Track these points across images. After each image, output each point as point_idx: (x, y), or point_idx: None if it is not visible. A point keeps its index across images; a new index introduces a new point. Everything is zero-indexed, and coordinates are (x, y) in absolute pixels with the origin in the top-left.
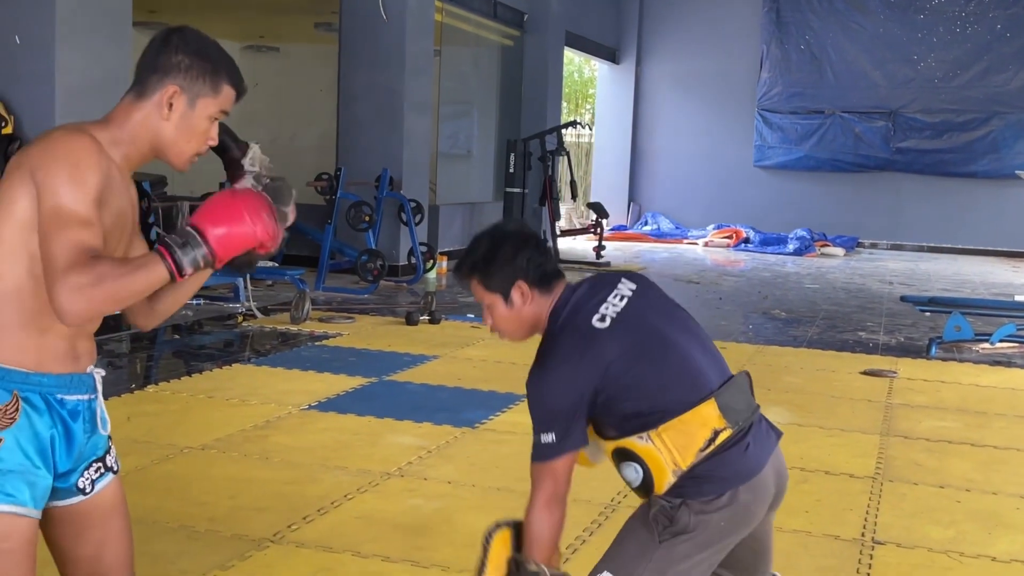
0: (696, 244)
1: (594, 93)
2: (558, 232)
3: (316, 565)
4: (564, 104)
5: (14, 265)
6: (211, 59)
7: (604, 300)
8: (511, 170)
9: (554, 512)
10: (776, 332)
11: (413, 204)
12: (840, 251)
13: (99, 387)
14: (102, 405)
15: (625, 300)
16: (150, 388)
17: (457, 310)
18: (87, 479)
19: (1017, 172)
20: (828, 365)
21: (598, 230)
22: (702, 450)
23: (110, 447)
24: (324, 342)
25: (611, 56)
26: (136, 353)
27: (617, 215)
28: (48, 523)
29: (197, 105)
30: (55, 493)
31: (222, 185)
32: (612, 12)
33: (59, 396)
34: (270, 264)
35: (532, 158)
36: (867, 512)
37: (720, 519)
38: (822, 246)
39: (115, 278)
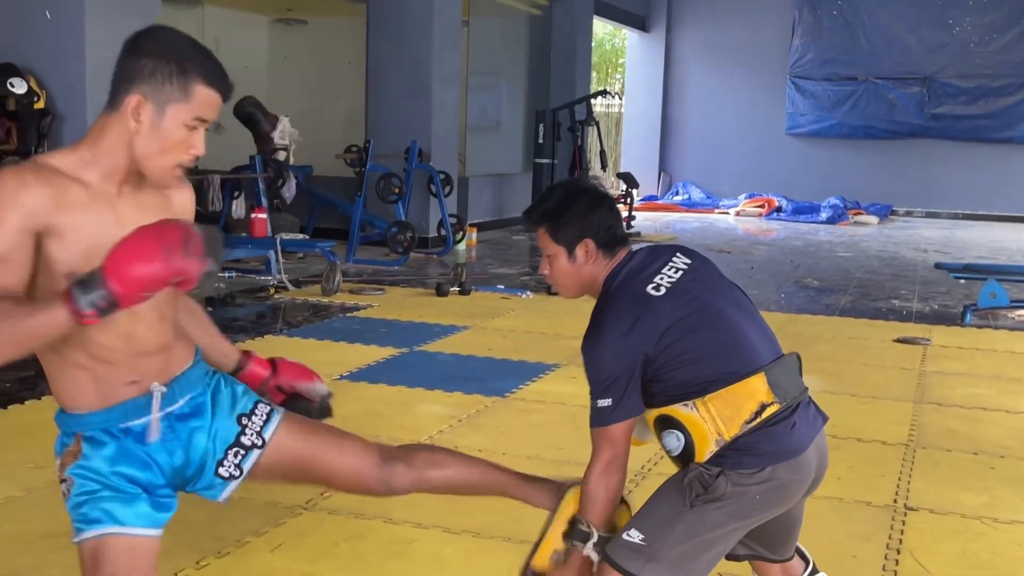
0: (727, 214)
1: (623, 62)
2: None
3: (348, 531)
4: (593, 74)
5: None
6: (179, 60)
7: (659, 271)
8: (540, 141)
9: (611, 477)
10: (808, 301)
11: (442, 176)
12: (874, 219)
13: (155, 406)
14: (153, 422)
15: (680, 272)
16: None
17: (487, 281)
18: (228, 467)
19: None
20: (861, 333)
21: (628, 200)
22: (747, 422)
23: (245, 428)
24: (355, 313)
25: (640, 24)
26: None
27: (648, 185)
28: (275, 469)
29: (167, 113)
30: (209, 488)
31: (252, 159)
32: None
33: (121, 425)
34: (301, 237)
35: (561, 128)
36: (899, 479)
37: (756, 493)
38: (855, 214)
39: (8, 322)
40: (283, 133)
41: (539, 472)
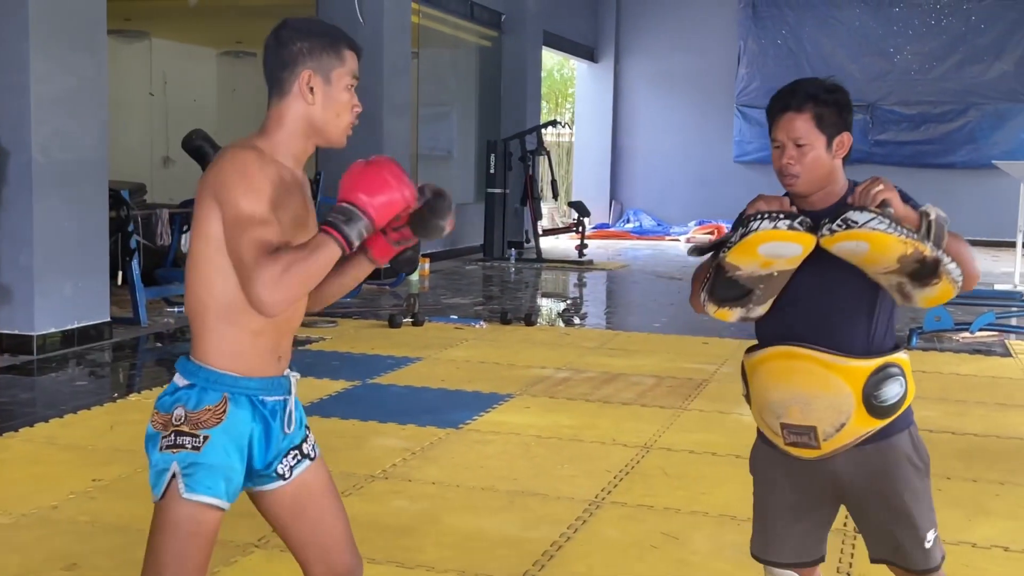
0: (678, 241)
1: (573, 92)
2: (540, 232)
3: (299, 570)
4: (544, 103)
5: (223, 281)
6: (326, 34)
7: None
8: (492, 171)
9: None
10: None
11: None
12: None
13: (294, 389)
14: (296, 406)
15: None
16: (133, 396)
17: (440, 312)
18: (286, 466)
19: (995, 162)
20: None
21: (580, 229)
22: None
23: (307, 436)
24: (307, 346)
25: (589, 55)
26: (119, 362)
27: (599, 213)
28: (265, 505)
29: (332, 79)
30: (258, 480)
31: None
32: (589, 11)
33: (262, 398)
34: None
35: (512, 158)
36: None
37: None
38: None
39: (300, 263)
40: None
41: (494, 503)
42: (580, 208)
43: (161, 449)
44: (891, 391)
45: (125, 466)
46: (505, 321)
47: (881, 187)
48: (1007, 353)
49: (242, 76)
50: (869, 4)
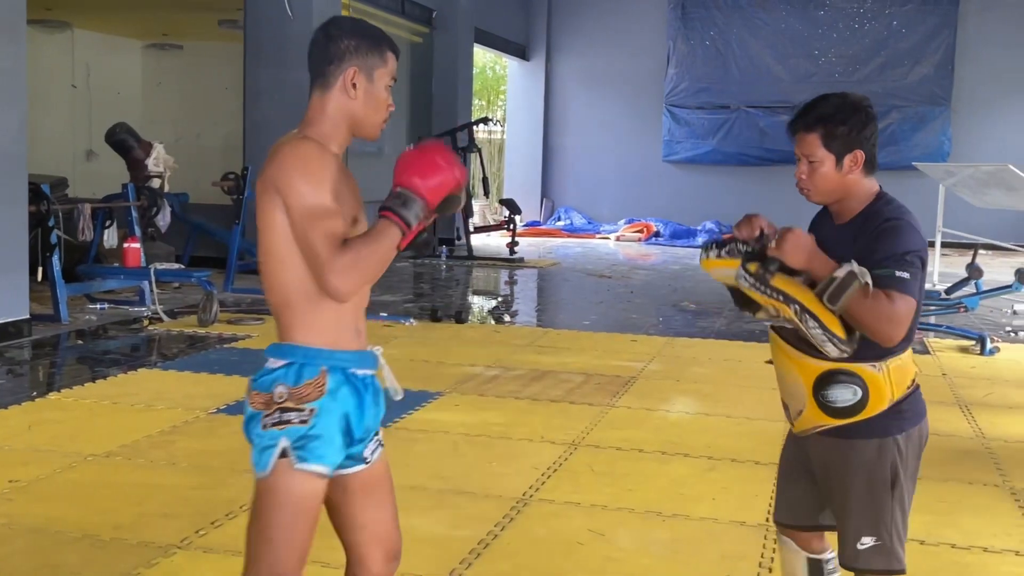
0: (608, 239)
1: (506, 89)
2: (471, 229)
3: (224, 570)
4: (476, 101)
5: (298, 268)
6: (371, 35)
7: None
8: None
9: (898, 333)
10: (685, 324)
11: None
12: None
13: (382, 362)
14: (388, 379)
15: None
16: (52, 395)
17: (370, 309)
18: (370, 450)
19: (915, 164)
20: (735, 355)
21: (511, 226)
22: (908, 388)
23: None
24: (233, 344)
25: (521, 53)
26: (38, 360)
27: (530, 211)
28: (338, 487)
29: (375, 77)
30: (346, 461)
31: (125, 187)
32: (521, 9)
33: (354, 370)
34: (176, 266)
35: None
36: (771, 498)
37: (916, 452)
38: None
39: (369, 251)
40: (157, 160)
41: (422, 502)
42: (511, 206)
43: (265, 427)
44: (839, 395)
45: (43, 466)
46: (435, 319)
47: (774, 244)
48: (926, 351)
49: (168, 69)
50: (795, 7)
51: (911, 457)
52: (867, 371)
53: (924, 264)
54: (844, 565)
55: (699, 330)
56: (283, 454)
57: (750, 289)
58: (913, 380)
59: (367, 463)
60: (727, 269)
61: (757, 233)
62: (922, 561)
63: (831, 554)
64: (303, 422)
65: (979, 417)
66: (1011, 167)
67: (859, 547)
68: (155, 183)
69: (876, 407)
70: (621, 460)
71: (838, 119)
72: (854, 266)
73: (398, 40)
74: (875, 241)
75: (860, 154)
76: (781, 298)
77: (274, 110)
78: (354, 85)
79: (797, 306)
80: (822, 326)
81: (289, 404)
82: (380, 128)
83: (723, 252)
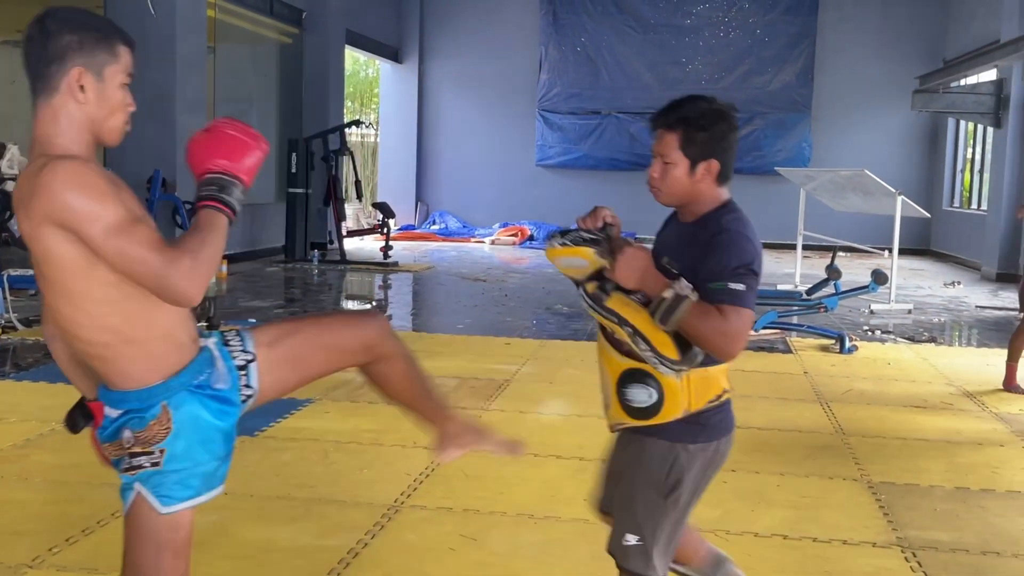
0: (483, 242)
1: (379, 93)
2: (344, 233)
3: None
4: (349, 103)
5: (110, 306)
6: (97, 27)
7: None
8: (293, 170)
9: (734, 347)
10: (559, 327)
11: (188, 207)
12: None
13: (217, 356)
14: (221, 355)
15: None
16: None
17: (239, 315)
18: (246, 389)
19: (777, 169)
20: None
21: (385, 230)
22: (711, 402)
23: (234, 352)
24: None
25: (393, 55)
26: None
27: (405, 215)
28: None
29: (105, 76)
30: (245, 404)
31: None
32: (393, 11)
33: (194, 382)
34: (31, 272)
35: (315, 158)
36: None
37: (706, 467)
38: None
39: (204, 247)
40: (12, 162)
41: (289, 512)
42: (385, 209)
43: (122, 472)
44: (636, 395)
45: None
46: None
47: (610, 267)
48: (788, 350)
49: (23, 68)
50: (663, 16)
51: (698, 470)
52: (666, 376)
53: (757, 274)
54: (609, 552)
55: (572, 332)
56: (142, 495)
57: (588, 309)
58: (720, 395)
59: (254, 390)
60: (570, 258)
61: (600, 224)
62: (785, 555)
63: None
64: (155, 464)
65: (839, 413)
66: (867, 172)
67: (624, 543)
68: (9, 186)
69: (670, 413)
70: (494, 464)
71: (700, 124)
72: (682, 285)
73: (267, 40)
74: (708, 251)
75: (715, 164)
76: (615, 319)
77: (136, 111)
78: (82, 87)
79: (630, 328)
80: (652, 349)
81: (137, 449)
82: (120, 132)
83: (567, 240)
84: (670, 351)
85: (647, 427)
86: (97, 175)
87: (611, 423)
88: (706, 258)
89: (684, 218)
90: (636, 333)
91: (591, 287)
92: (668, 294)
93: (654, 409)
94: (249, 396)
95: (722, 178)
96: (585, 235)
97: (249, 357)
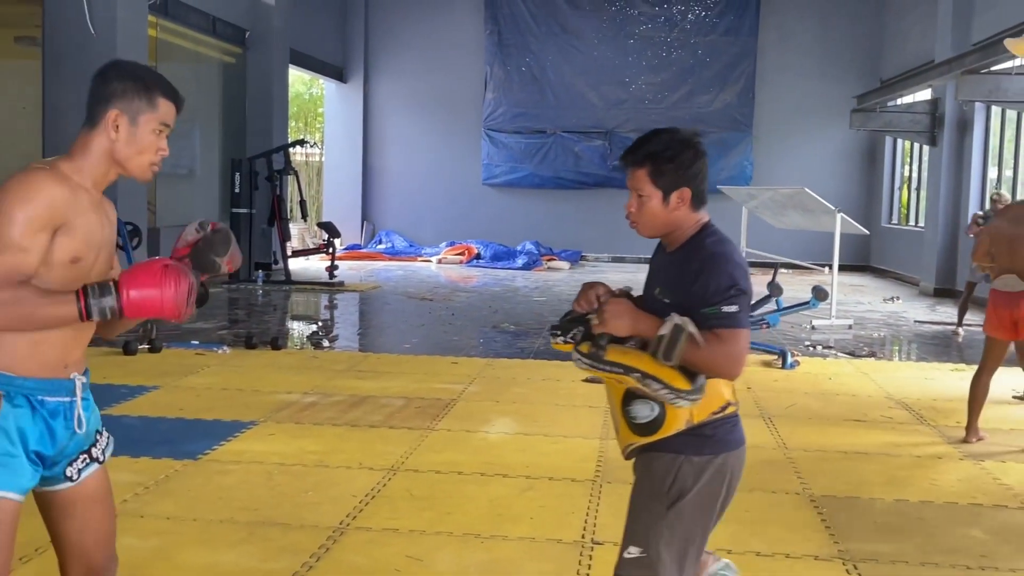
0: (430, 261)
1: (323, 112)
2: (289, 253)
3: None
4: (293, 122)
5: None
6: (144, 80)
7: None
8: (237, 190)
9: (737, 368)
10: (505, 345)
11: (130, 227)
12: (565, 264)
13: (78, 391)
14: (87, 408)
15: None
16: None
17: (180, 337)
18: (74, 469)
19: (719, 187)
20: (552, 375)
21: (330, 250)
22: (714, 413)
23: (97, 441)
24: None
25: (338, 75)
26: None
27: (351, 234)
28: (43, 506)
29: (139, 121)
30: (47, 480)
31: None
32: (338, 30)
33: (40, 397)
34: None
35: (259, 177)
36: (587, 514)
37: (714, 481)
38: (548, 260)
39: (26, 305)
40: None
41: (232, 536)
42: (330, 229)
43: None
44: (639, 411)
45: None
46: (250, 345)
47: (599, 322)
48: None
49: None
50: (606, 35)
51: (705, 484)
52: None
53: (746, 292)
54: (615, 574)
55: (518, 351)
56: None
57: (589, 370)
58: (724, 407)
59: (73, 481)
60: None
61: (595, 304)
62: None
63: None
64: None
65: (781, 428)
66: (807, 190)
67: (625, 555)
68: None
69: (673, 426)
70: (440, 483)
71: (666, 156)
72: (676, 319)
73: (210, 60)
74: (698, 276)
75: (687, 192)
76: (620, 371)
77: (75, 130)
78: (116, 127)
79: (638, 374)
80: (666, 386)
81: None
82: (149, 170)
83: (568, 338)
84: (681, 383)
85: (653, 443)
86: (47, 192)
87: (622, 447)
88: (696, 284)
89: (669, 247)
90: (645, 376)
91: (585, 347)
92: (664, 330)
93: (657, 423)
94: (69, 479)
95: (697, 203)
96: (580, 331)
97: (100, 460)
